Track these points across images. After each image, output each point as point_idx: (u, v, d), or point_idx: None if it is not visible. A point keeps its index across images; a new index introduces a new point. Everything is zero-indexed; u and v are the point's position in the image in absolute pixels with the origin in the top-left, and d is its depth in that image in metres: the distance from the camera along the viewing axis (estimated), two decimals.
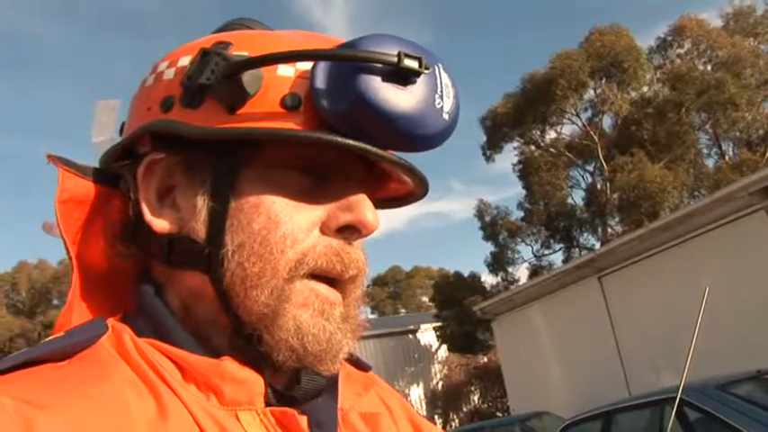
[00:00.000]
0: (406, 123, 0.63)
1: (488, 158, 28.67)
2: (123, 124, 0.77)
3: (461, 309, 23.75)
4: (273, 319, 0.64)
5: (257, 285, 0.64)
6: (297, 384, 0.68)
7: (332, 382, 0.73)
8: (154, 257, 0.70)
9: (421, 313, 38.10)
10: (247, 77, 0.64)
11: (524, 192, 28.87)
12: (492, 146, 28.36)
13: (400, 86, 0.63)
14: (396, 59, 0.62)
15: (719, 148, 28.31)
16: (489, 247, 29.30)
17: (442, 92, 0.66)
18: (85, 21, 61.88)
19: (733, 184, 10.74)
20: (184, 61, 0.69)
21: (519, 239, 29.35)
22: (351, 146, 0.63)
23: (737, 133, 27.00)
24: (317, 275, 0.67)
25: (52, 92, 63.13)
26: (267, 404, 0.66)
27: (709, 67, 26.88)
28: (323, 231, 0.67)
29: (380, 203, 0.77)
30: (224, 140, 0.65)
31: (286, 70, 0.66)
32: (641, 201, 24.26)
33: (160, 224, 0.69)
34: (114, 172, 0.73)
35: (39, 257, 43.17)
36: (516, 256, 29.46)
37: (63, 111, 62.98)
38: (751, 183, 9.98)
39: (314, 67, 0.65)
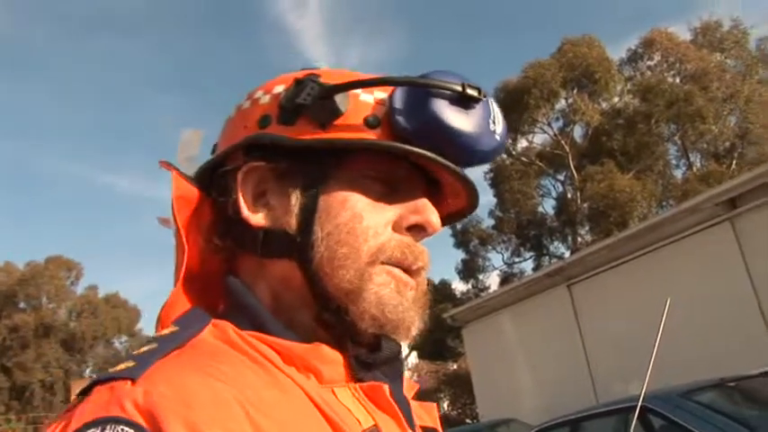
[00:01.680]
0: (467, 140, 0.76)
1: None
2: (215, 145, 0.90)
3: (431, 316, 23.71)
4: (358, 294, 0.75)
5: (343, 266, 0.75)
6: (378, 351, 0.79)
7: (398, 372, 0.85)
8: (247, 249, 0.81)
9: None
10: (338, 99, 0.77)
11: (495, 200, 29.07)
12: None
13: (463, 110, 0.77)
14: (461, 88, 0.76)
15: (687, 159, 28.70)
16: (460, 255, 29.45)
17: (494, 118, 0.80)
18: (63, 20, 61.13)
19: (699, 196, 10.90)
20: (279, 89, 0.81)
21: (490, 247, 29.54)
22: (424, 155, 0.76)
23: (705, 145, 27.40)
24: (393, 264, 0.78)
25: (27, 93, 62.26)
26: (354, 377, 0.77)
27: (677, 80, 27.26)
28: (395, 229, 0.79)
29: (446, 219, 0.90)
30: (316, 148, 0.77)
31: (366, 97, 0.79)
32: (611, 210, 24.52)
33: (256, 219, 0.80)
34: (205, 183, 0.84)
35: (5, 260, 42.53)
36: (487, 263, 29.63)
37: (39, 111, 62.13)
38: (716, 194, 10.14)
39: (392, 93, 0.78)
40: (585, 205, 26.29)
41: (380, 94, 0.79)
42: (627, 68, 28.89)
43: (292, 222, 0.78)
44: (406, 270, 0.79)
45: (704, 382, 5.40)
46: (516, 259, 29.62)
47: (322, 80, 0.79)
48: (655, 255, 11.10)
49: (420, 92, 0.76)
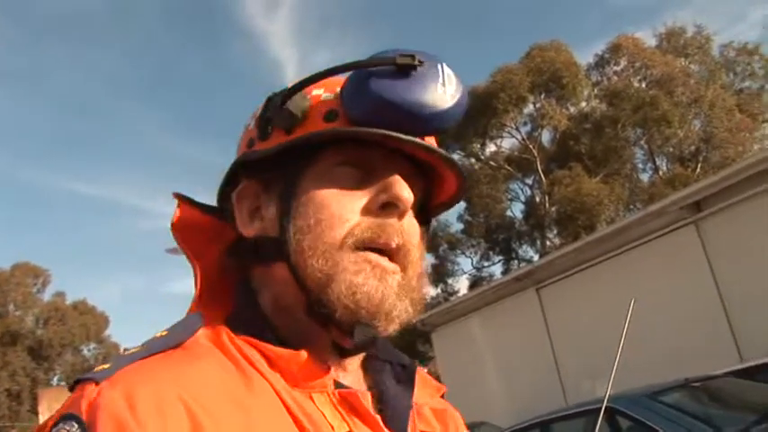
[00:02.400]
0: (414, 106, 0.77)
1: None
2: None
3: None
4: (328, 283, 0.76)
5: (312, 255, 0.77)
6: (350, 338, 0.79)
7: (409, 377, 0.87)
8: (250, 260, 0.85)
9: None
10: (293, 103, 0.80)
11: (464, 204, 29.12)
12: None
13: (404, 81, 0.77)
14: (392, 59, 0.77)
15: (654, 163, 29.02)
16: (429, 259, 29.37)
17: (444, 80, 0.79)
18: (20, 23, 60.20)
19: (665, 199, 11.04)
20: (258, 111, 0.86)
21: (459, 251, 29.64)
22: (360, 131, 0.78)
23: (670, 149, 27.73)
24: (372, 248, 0.78)
25: None
26: (341, 354, 0.81)
27: (643, 85, 27.58)
28: (368, 211, 0.80)
29: (443, 206, 0.94)
30: (283, 152, 0.80)
31: (326, 95, 0.82)
32: (578, 214, 24.72)
33: (247, 231, 0.85)
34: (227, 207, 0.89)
35: None
36: (456, 267, 29.70)
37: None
38: (681, 197, 10.29)
39: (344, 84, 0.81)
40: (554, 209, 26.49)
41: (338, 88, 0.82)
42: (594, 73, 29.19)
43: (275, 228, 0.81)
44: (386, 252, 0.79)
45: (670, 383, 5.47)
46: (485, 263, 29.77)
47: (287, 90, 0.82)
48: (622, 257, 11.23)
49: (361, 75, 0.78)
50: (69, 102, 62.24)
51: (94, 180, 66.97)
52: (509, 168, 28.49)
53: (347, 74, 0.81)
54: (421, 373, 0.92)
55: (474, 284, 27.07)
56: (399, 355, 0.91)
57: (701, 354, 9.19)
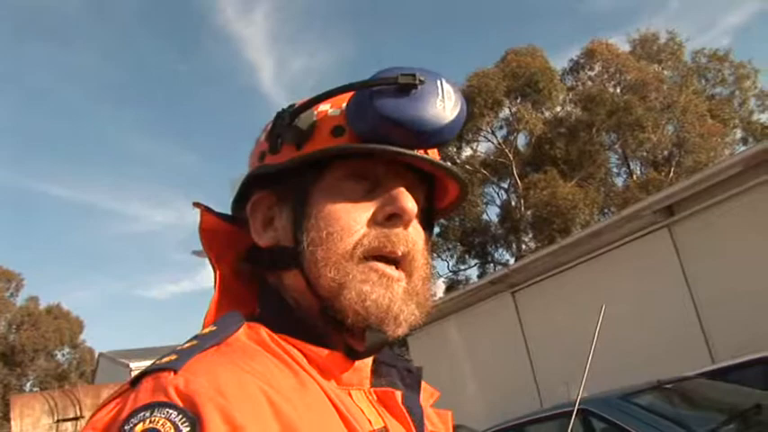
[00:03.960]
0: (415, 123, 0.82)
1: None
2: None
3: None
4: (340, 291, 0.82)
5: (325, 266, 0.82)
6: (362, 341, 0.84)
7: (416, 381, 0.96)
8: (265, 268, 0.91)
9: None
10: (301, 120, 0.86)
11: None
12: None
13: (405, 99, 0.82)
14: (394, 79, 0.82)
15: (628, 167, 29.27)
16: None
17: (443, 96, 0.85)
18: None
19: (638, 203, 11.15)
20: (269, 125, 0.91)
21: (435, 255, 29.61)
22: (369, 148, 0.83)
23: (644, 153, 27.97)
24: (379, 257, 0.84)
25: None
26: (372, 383, 0.87)
27: (618, 90, 27.81)
28: (374, 223, 0.85)
29: (446, 210, 1.01)
30: (294, 166, 0.85)
31: (333, 111, 0.87)
32: (554, 217, 24.86)
33: (264, 241, 0.90)
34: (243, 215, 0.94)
35: None
36: (432, 271, 29.66)
37: None
38: (655, 201, 10.40)
39: (348, 101, 0.86)
40: (529, 213, 26.62)
41: (344, 104, 0.87)
42: (569, 78, 29.39)
43: (289, 236, 0.87)
44: (392, 261, 0.85)
45: (642, 385, 5.52)
46: (461, 267, 29.85)
47: (296, 107, 0.88)
48: (596, 261, 11.32)
49: (365, 94, 0.83)
50: (43, 102, 61.44)
51: (68, 182, 66.09)
52: (485, 172, 28.60)
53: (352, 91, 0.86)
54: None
55: (450, 288, 27.13)
56: (405, 362, 0.97)
57: (674, 355, 9.29)
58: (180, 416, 0.64)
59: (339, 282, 0.82)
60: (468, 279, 28.47)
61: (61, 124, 62.64)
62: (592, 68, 28.76)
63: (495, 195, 29.92)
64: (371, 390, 0.86)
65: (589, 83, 28.74)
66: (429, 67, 0.86)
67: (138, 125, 64.57)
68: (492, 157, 28.79)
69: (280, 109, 0.91)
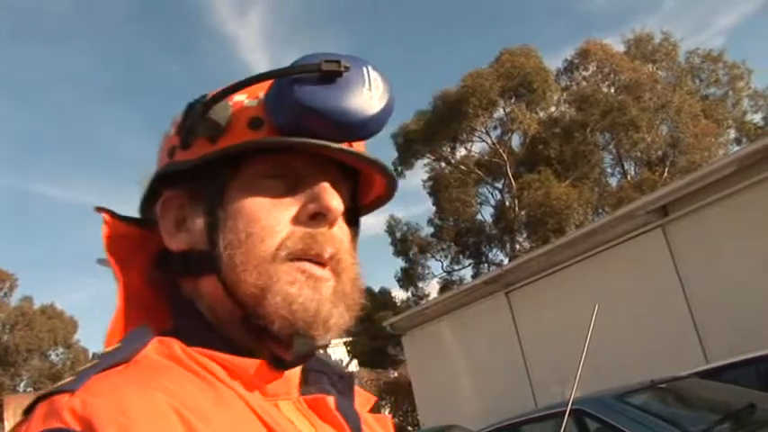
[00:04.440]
0: (339, 114, 0.76)
1: (399, 174, 28.86)
2: None
3: (372, 324, 23.78)
4: (263, 295, 0.75)
5: (245, 270, 0.75)
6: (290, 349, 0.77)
7: (349, 387, 0.88)
8: (178, 274, 0.83)
9: None
10: (215, 112, 0.79)
11: (434, 208, 29.20)
12: (403, 162, 28.61)
13: (328, 88, 0.76)
14: (317, 66, 0.76)
15: (622, 167, 29.31)
16: (400, 263, 29.46)
17: (370, 85, 0.78)
18: None
19: (632, 203, 11.18)
20: (179, 118, 0.84)
21: (429, 255, 29.66)
22: (289, 141, 0.76)
23: (638, 153, 28.03)
24: (304, 259, 0.77)
25: None
26: (300, 391, 0.81)
27: (612, 90, 27.87)
28: (297, 222, 0.78)
29: (371, 206, 0.94)
30: (208, 163, 0.78)
31: (250, 102, 0.80)
32: (548, 217, 24.89)
33: (174, 244, 0.82)
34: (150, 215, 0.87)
35: None
36: (426, 271, 29.67)
37: None
38: (649, 202, 10.43)
39: (267, 91, 0.79)
40: (523, 213, 26.64)
41: (261, 93, 0.80)
42: (563, 78, 29.42)
43: (204, 239, 0.79)
44: (319, 262, 0.78)
45: (636, 385, 5.53)
46: (455, 267, 29.82)
47: (208, 98, 0.81)
48: (590, 261, 11.34)
49: (285, 83, 0.77)
50: (35, 102, 61.40)
51: (62, 183, 66.21)
52: (479, 172, 28.60)
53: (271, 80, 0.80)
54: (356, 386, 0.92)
55: (444, 288, 27.11)
56: (336, 367, 0.90)
57: (668, 355, 9.31)
58: None
59: (262, 286, 0.75)
60: (462, 279, 28.46)
61: (55, 125, 62.67)
62: (586, 68, 28.79)
63: (490, 195, 29.94)
64: (301, 398, 0.79)
65: (583, 83, 28.78)
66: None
67: (131, 126, 64.58)
68: (486, 158, 28.78)
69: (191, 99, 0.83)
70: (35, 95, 61.58)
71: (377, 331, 22.63)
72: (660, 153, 27.68)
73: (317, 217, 0.79)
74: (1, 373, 39.32)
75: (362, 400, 0.91)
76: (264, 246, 0.76)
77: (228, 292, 0.77)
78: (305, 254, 0.77)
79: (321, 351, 0.84)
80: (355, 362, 27.72)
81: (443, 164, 29.22)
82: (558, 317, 11.36)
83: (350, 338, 26.42)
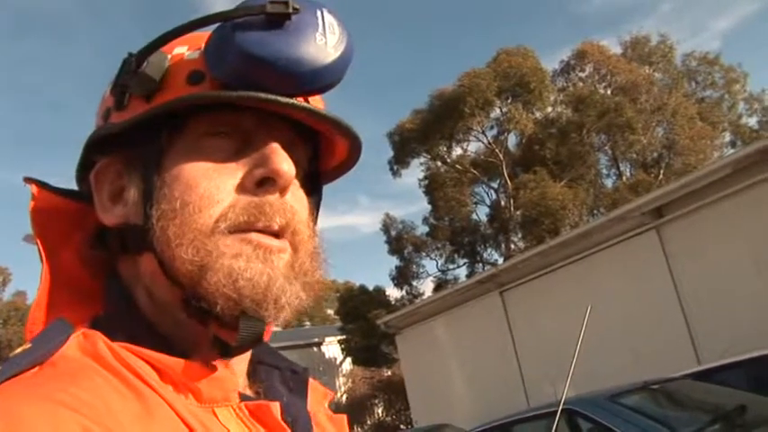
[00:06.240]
0: (288, 62, 0.66)
1: (395, 173, 28.89)
2: None
3: (366, 322, 23.76)
4: (202, 274, 0.65)
5: (180, 245, 0.66)
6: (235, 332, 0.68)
7: (302, 384, 0.80)
8: (116, 253, 0.74)
9: (326, 326, 37.89)
10: (150, 66, 0.69)
11: (430, 207, 29.15)
12: (399, 161, 28.55)
13: (276, 32, 0.67)
14: (261, 7, 0.66)
15: (617, 168, 29.31)
16: (394, 261, 29.39)
17: (324, 30, 0.69)
18: None
19: (627, 204, 11.21)
20: (114, 77, 0.74)
21: (424, 254, 29.58)
22: (233, 96, 0.67)
23: (634, 155, 28.01)
24: (244, 231, 0.68)
25: None
26: (241, 395, 0.69)
27: (608, 91, 27.87)
28: (243, 189, 0.69)
29: (335, 173, 0.84)
30: (142, 123, 0.69)
31: (191, 54, 0.71)
32: (543, 218, 24.85)
33: (108, 218, 0.73)
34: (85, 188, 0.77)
35: None
36: (421, 270, 29.62)
37: None
38: (643, 203, 10.45)
39: (207, 41, 0.70)
40: (518, 213, 26.61)
41: (204, 44, 0.71)
42: (560, 79, 29.39)
43: (139, 212, 0.70)
44: (271, 233, 0.69)
45: (629, 386, 5.56)
46: (450, 266, 29.76)
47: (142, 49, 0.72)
48: (585, 262, 11.37)
49: (226, 29, 0.68)
50: (38, 99, 61.28)
51: (57, 177, 65.81)
52: (475, 172, 28.57)
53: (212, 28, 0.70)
54: (311, 380, 0.84)
55: (438, 287, 27.08)
56: (289, 361, 0.82)
57: (660, 356, 9.34)
58: None
59: (199, 263, 0.65)
60: (456, 278, 28.43)
61: (57, 121, 62.48)
62: (583, 70, 28.78)
63: (485, 195, 29.89)
64: (242, 405, 0.67)
65: (580, 84, 28.76)
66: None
67: None
68: (482, 157, 28.74)
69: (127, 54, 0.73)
70: (35, 91, 61.42)
71: (371, 329, 22.62)
72: (655, 155, 27.69)
73: (264, 183, 0.69)
74: None
75: (318, 396, 0.84)
76: (202, 217, 0.67)
77: (165, 271, 0.68)
78: (250, 226, 0.68)
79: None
80: (349, 360, 27.67)
81: (439, 163, 29.16)
82: (552, 317, 11.39)
83: (344, 336, 26.41)
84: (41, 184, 0.76)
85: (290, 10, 0.67)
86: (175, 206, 0.67)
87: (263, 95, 0.67)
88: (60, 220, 0.76)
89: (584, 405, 5.02)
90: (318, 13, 0.70)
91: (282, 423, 0.68)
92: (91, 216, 0.75)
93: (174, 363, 0.64)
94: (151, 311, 0.71)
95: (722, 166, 9.51)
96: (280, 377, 0.80)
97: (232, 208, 0.67)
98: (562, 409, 2.74)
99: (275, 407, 0.69)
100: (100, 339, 0.63)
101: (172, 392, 0.63)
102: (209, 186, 0.67)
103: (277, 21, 0.67)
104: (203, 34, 0.71)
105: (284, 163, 0.69)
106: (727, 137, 30.54)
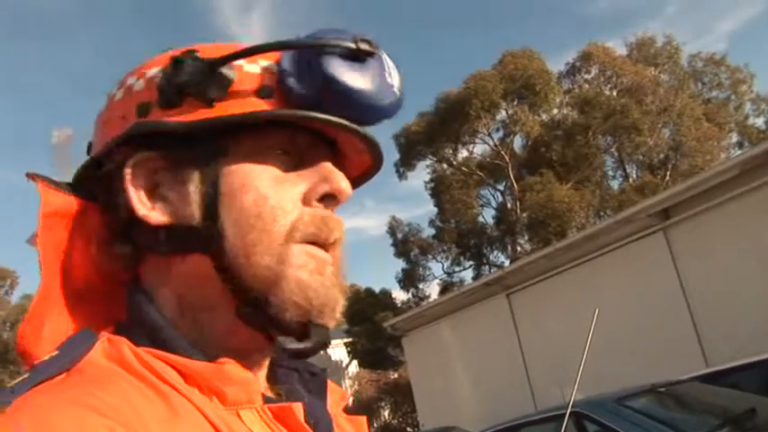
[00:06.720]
0: (364, 96, 0.71)
1: (401, 176, 28.97)
2: (90, 143, 0.81)
3: (372, 325, 23.81)
4: (277, 281, 0.69)
5: (257, 252, 0.69)
6: (306, 339, 0.72)
7: (321, 386, 0.83)
8: (151, 251, 0.74)
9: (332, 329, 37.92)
10: (224, 72, 0.71)
11: (436, 209, 29.19)
12: (405, 163, 28.61)
13: (357, 67, 0.71)
14: (353, 43, 0.71)
15: (624, 170, 29.28)
16: (401, 264, 29.47)
17: (390, 71, 0.75)
18: None
19: (634, 206, 11.18)
20: (153, 71, 0.74)
21: (430, 256, 29.64)
22: (329, 120, 0.71)
23: (640, 157, 28.00)
24: (309, 241, 0.72)
25: None
26: (264, 398, 0.71)
27: (614, 93, 27.85)
28: (306, 202, 0.73)
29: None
30: (210, 128, 0.71)
31: (252, 68, 0.73)
32: (549, 220, 24.86)
33: (156, 217, 0.72)
34: (88, 186, 0.76)
35: None
36: (427, 272, 29.70)
37: None
38: (650, 205, 10.42)
39: (280, 59, 0.73)
40: (525, 215, 26.63)
41: (266, 62, 0.74)
42: (565, 81, 29.39)
43: (196, 213, 0.71)
44: (323, 245, 0.74)
45: (636, 388, 5.53)
46: (456, 268, 29.80)
47: (201, 55, 0.73)
48: (591, 264, 11.33)
49: (310, 53, 0.71)
50: (37, 100, 61.44)
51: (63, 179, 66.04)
52: (481, 174, 28.59)
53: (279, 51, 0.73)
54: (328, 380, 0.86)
55: (445, 290, 27.08)
56: (307, 363, 0.84)
57: (668, 359, 9.31)
58: None
59: (276, 270, 0.69)
60: (462, 281, 28.44)
61: (57, 123, 62.48)
62: (588, 71, 28.77)
63: (491, 197, 29.94)
64: (265, 407, 0.69)
65: (586, 86, 28.75)
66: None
67: None
68: (488, 159, 28.78)
69: (176, 52, 0.74)
70: (35, 92, 61.60)
71: (377, 332, 22.65)
72: (662, 156, 27.66)
73: (325, 199, 0.74)
74: (1, 370, 39.35)
75: (336, 397, 0.86)
76: (277, 226, 0.70)
77: (225, 274, 0.70)
78: (316, 237, 0.72)
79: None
80: (355, 362, 27.68)
81: (445, 165, 29.20)
82: (559, 319, 11.35)
83: (350, 339, 26.43)
84: (46, 180, 0.74)
85: (375, 50, 0.73)
86: (251, 215, 0.70)
87: (348, 124, 0.72)
88: (65, 218, 0.74)
89: (591, 408, 5.00)
90: (384, 56, 0.75)
91: (305, 425, 0.70)
92: (91, 214, 0.75)
93: (199, 366, 0.66)
94: (173, 314, 0.72)
95: (729, 168, 9.47)
96: (299, 379, 0.82)
97: (301, 219, 0.72)
98: (570, 412, 2.73)
99: (298, 408, 0.70)
100: (125, 345, 0.65)
101: (198, 395, 0.65)
102: (279, 198, 0.71)
103: (359, 56, 0.72)
104: (265, 55, 0.74)
105: (344, 182, 0.75)
106: (734, 138, 30.52)
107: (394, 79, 0.75)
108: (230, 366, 0.68)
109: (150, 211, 0.72)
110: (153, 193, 0.73)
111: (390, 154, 28.41)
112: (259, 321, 0.71)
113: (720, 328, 9.32)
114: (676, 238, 10.15)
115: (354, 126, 0.73)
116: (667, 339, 9.86)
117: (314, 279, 0.71)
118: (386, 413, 24.18)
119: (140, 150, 0.73)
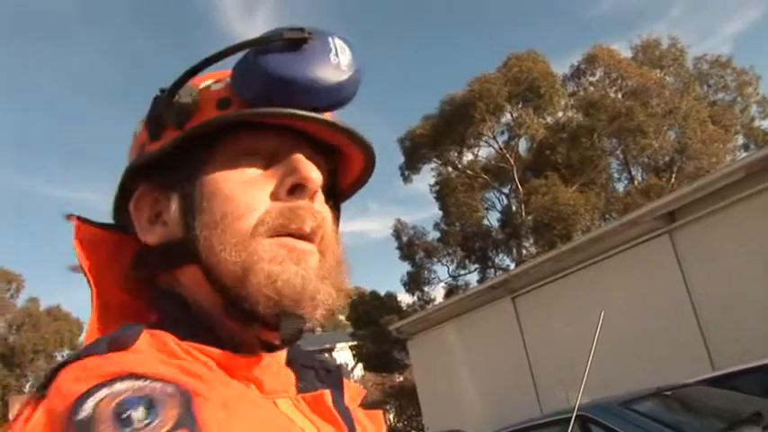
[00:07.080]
0: (307, 80, 0.74)
1: (406, 179, 28.96)
2: None
3: (377, 328, 23.78)
4: (245, 275, 0.72)
5: (223, 249, 0.73)
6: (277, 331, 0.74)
7: (338, 382, 0.85)
8: (156, 270, 0.80)
9: (337, 332, 37.96)
10: (182, 96, 0.77)
11: (441, 212, 29.16)
12: (410, 166, 28.60)
13: (294, 56, 0.75)
14: (279, 35, 0.75)
15: (629, 173, 29.23)
16: (406, 267, 29.41)
17: (337, 52, 0.77)
18: None
19: (639, 209, 11.15)
20: (146, 113, 0.82)
21: (435, 259, 29.58)
22: (260, 112, 0.75)
23: (645, 159, 27.94)
24: (281, 234, 0.74)
25: None
26: (297, 387, 0.78)
27: (619, 95, 27.81)
28: (276, 198, 0.76)
29: (350, 189, 0.91)
30: (177, 148, 0.76)
31: (216, 85, 0.79)
32: (555, 223, 24.81)
33: (151, 238, 0.79)
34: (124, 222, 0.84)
35: None
36: (432, 275, 29.63)
37: None
38: (656, 208, 10.40)
39: (232, 71, 0.78)
40: (530, 218, 26.58)
41: (227, 78, 0.79)
42: (570, 84, 29.35)
43: (179, 228, 0.77)
44: (302, 236, 0.75)
45: (642, 392, 5.52)
46: (461, 271, 29.74)
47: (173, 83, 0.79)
48: (597, 267, 11.32)
49: (250, 56, 0.76)
50: (37, 100, 61.55)
51: (69, 183, 66.32)
52: (486, 177, 28.56)
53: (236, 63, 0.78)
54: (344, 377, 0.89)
55: (450, 293, 27.06)
56: (322, 361, 0.87)
57: (673, 362, 9.28)
58: (161, 385, 0.58)
59: (243, 265, 0.72)
60: (468, 284, 28.39)
61: (60, 125, 62.79)
62: (593, 74, 28.73)
63: (496, 200, 29.89)
64: (298, 396, 0.76)
65: (590, 88, 28.72)
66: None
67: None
68: (493, 162, 28.75)
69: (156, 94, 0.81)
70: (37, 94, 61.77)
71: (382, 335, 22.62)
72: (667, 159, 27.59)
73: (295, 190, 0.76)
74: (7, 373, 39.39)
75: (352, 393, 0.88)
76: (242, 223, 0.73)
77: (210, 277, 0.74)
78: (285, 228, 0.74)
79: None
80: (361, 365, 27.67)
81: (450, 168, 29.18)
82: (564, 322, 11.34)
83: (355, 342, 26.42)
84: (82, 220, 0.83)
85: (306, 35, 0.76)
86: (216, 217, 0.74)
87: (284, 110, 0.74)
88: (101, 250, 0.82)
89: (597, 411, 4.99)
90: (330, 38, 0.78)
91: (336, 412, 0.76)
92: (127, 246, 0.83)
93: (237, 357, 0.71)
94: (203, 316, 0.77)
95: (735, 170, 9.45)
96: (316, 376, 0.85)
97: (268, 213, 0.74)
98: (575, 416, 2.72)
99: (328, 396, 0.76)
100: (169, 338, 0.69)
101: (239, 384, 0.70)
102: (246, 198, 0.75)
103: (295, 45, 0.75)
104: (225, 71, 0.79)
105: (312, 171, 0.76)
106: (740, 140, 30.43)
107: (341, 58, 0.77)
108: (267, 358, 0.75)
109: (148, 235, 0.80)
110: (156, 220, 0.81)
111: (395, 157, 28.45)
112: (240, 317, 0.74)
113: (727, 331, 9.29)
114: (682, 240, 10.13)
115: (302, 112, 0.75)
116: (673, 342, 9.84)
117: (286, 269, 0.72)
118: (391, 416, 24.14)
119: (142, 183, 0.81)
